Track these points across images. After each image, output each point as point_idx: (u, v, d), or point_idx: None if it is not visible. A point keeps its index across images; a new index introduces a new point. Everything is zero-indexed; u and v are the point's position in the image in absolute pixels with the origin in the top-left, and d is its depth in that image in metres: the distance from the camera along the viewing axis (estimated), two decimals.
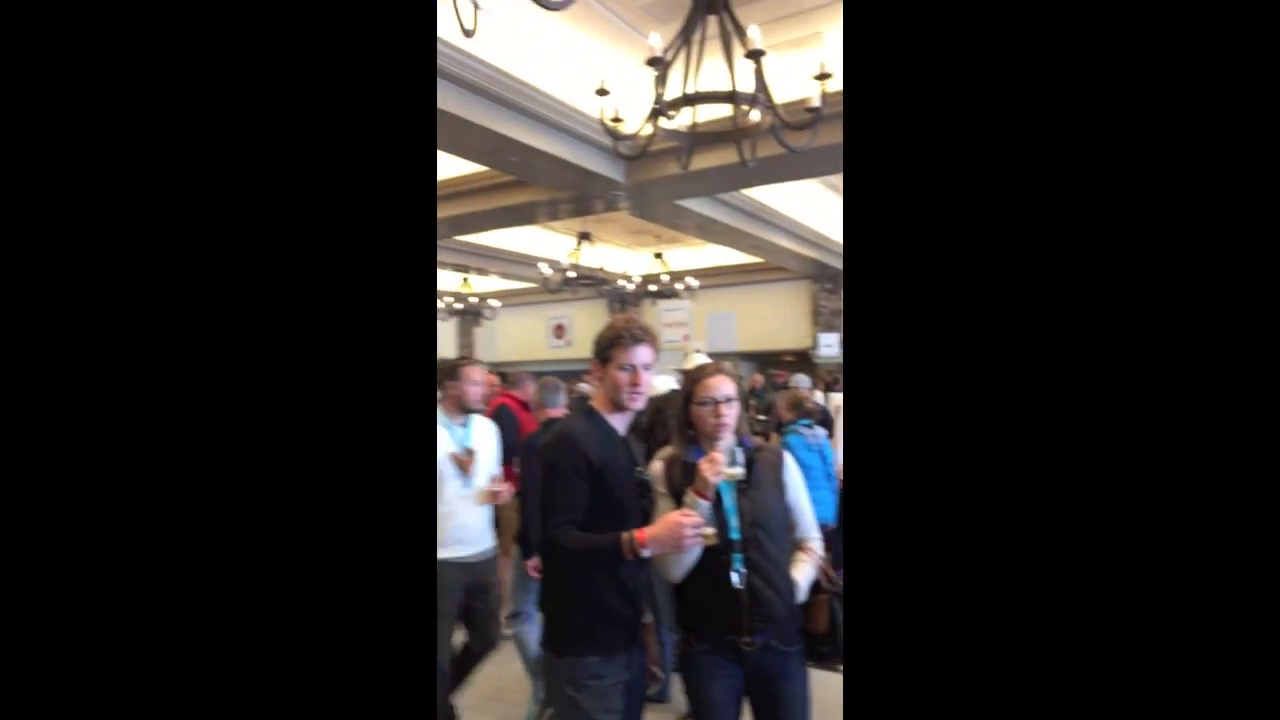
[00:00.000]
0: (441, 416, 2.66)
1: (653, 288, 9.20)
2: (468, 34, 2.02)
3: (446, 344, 12.76)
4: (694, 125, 3.09)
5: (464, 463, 2.61)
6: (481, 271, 9.80)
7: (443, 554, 2.55)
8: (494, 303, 10.97)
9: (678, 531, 1.46)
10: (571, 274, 8.19)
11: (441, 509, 2.56)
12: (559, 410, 3.21)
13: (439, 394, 2.70)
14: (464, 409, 2.70)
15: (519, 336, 12.25)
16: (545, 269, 8.14)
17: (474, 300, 10.74)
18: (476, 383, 2.71)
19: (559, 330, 12.25)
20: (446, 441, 2.62)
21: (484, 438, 2.75)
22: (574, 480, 1.58)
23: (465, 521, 2.61)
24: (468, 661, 2.72)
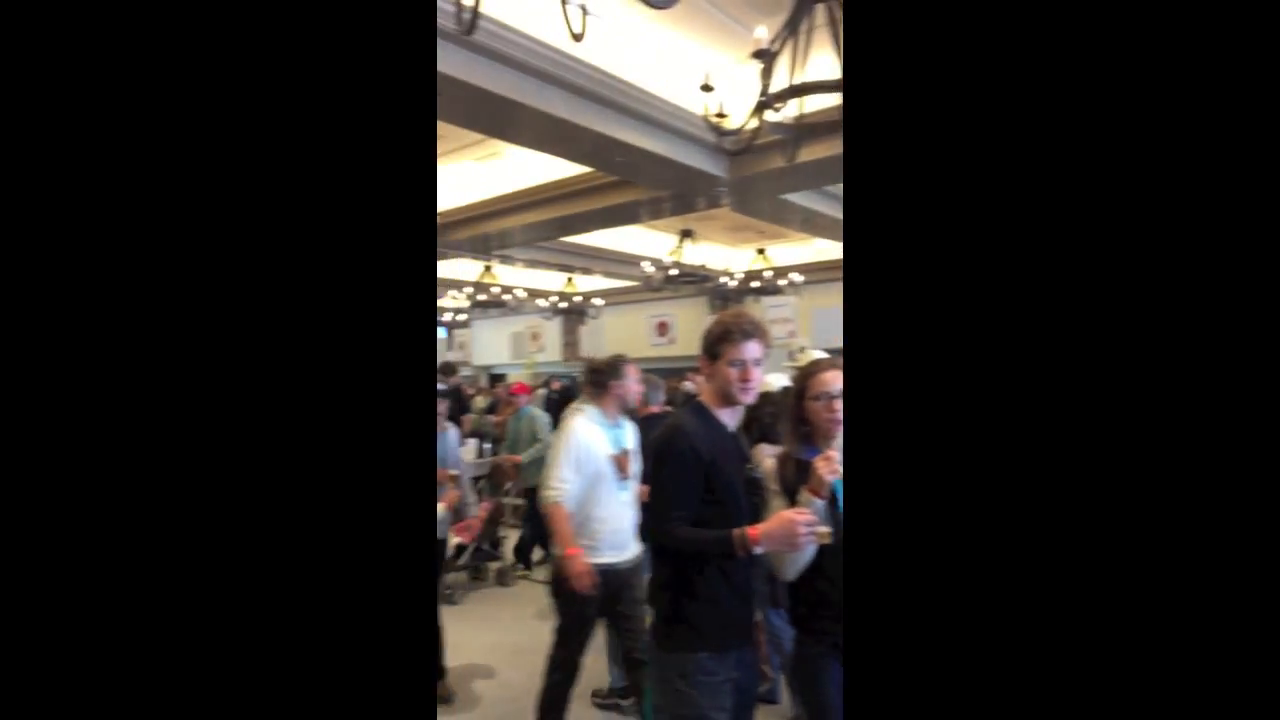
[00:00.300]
0: (599, 417, 2.58)
1: (755, 284, 9.09)
2: (577, 38, 2.06)
3: (552, 343, 13.08)
4: (800, 117, 3.02)
5: (624, 464, 2.56)
6: (585, 271, 9.98)
7: (597, 561, 2.45)
8: (597, 301, 11.15)
9: (792, 530, 1.44)
10: (673, 272, 8.21)
11: (598, 513, 2.49)
12: (658, 407, 3.22)
13: (598, 394, 2.60)
14: (624, 409, 2.62)
15: (622, 334, 12.39)
16: (647, 267, 8.20)
17: (578, 299, 10.95)
18: (636, 382, 2.65)
19: (661, 328, 12.30)
20: (604, 443, 2.54)
21: (632, 438, 2.68)
22: (684, 475, 1.58)
23: (621, 526, 2.54)
24: (634, 679, 2.64)
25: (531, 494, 5.05)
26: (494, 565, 4.97)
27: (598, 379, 2.63)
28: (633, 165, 5.22)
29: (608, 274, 10.22)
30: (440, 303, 12.60)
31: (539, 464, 4.90)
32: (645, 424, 2.93)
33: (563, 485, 2.47)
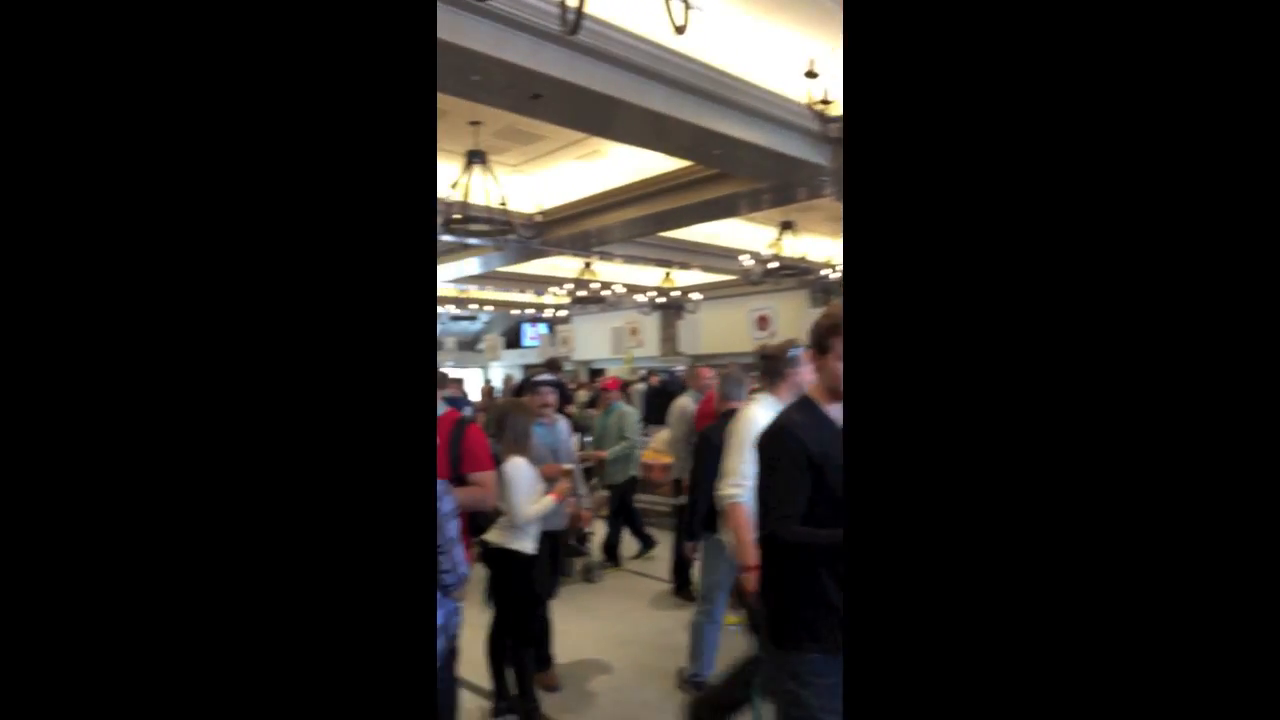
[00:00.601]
0: (776, 406, 2.35)
1: None
2: (679, 31, 2.06)
3: (651, 338, 13.18)
4: None
5: None
6: (683, 266, 9.98)
7: None
8: (695, 296, 11.15)
9: None
10: (773, 265, 8.09)
11: None
12: (739, 403, 3.14)
13: (773, 382, 2.44)
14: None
15: (721, 328, 12.33)
16: (746, 261, 8.11)
17: (676, 294, 10.98)
18: (812, 371, 2.56)
19: (762, 321, 12.14)
20: None
21: None
22: (793, 472, 1.55)
23: None
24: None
25: (616, 490, 5.03)
26: (580, 560, 5.00)
27: (773, 367, 2.43)
28: (732, 157, 5.17)
29: (706, 268, 10.19)
30: (541, 299, 12.93)
31: (624, 460, 4.91)
32: (725, 420, 2.83)
33: (746, 483, 2.25)
